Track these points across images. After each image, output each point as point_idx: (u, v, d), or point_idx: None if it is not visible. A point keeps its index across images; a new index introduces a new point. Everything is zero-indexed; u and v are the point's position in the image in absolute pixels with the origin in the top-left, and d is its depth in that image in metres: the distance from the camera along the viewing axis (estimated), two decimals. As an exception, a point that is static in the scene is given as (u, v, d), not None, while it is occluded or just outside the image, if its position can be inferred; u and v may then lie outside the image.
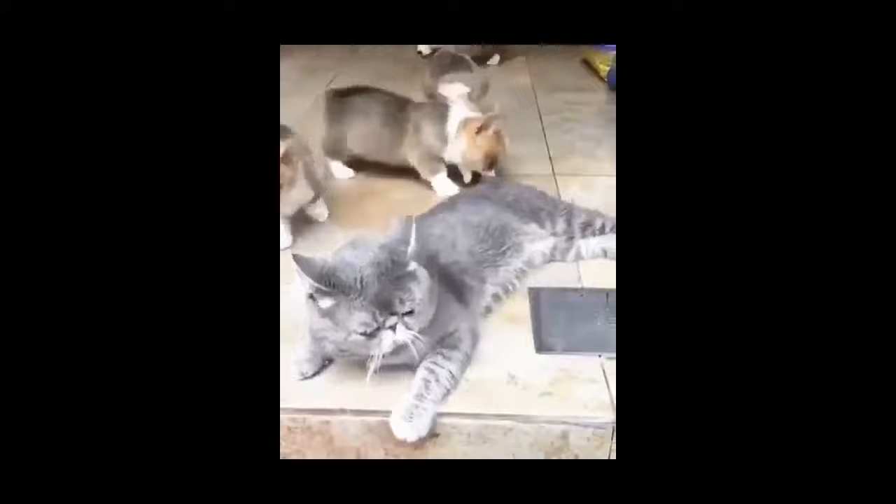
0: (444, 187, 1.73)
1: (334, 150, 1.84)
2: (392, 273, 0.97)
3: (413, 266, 1.00)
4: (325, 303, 0.97)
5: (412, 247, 1.00)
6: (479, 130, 1.63)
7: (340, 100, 1.80)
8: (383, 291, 0.96)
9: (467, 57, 2.10)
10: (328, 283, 0.95)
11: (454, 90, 1.73)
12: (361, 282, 0.95)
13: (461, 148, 1.67)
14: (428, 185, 1.76)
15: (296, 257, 0.96)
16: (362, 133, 1.78)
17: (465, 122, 1.66)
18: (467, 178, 1.77)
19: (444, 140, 1.69)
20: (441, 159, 1.72)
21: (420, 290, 0.99)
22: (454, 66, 2.00)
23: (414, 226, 1.01)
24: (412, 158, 1.74)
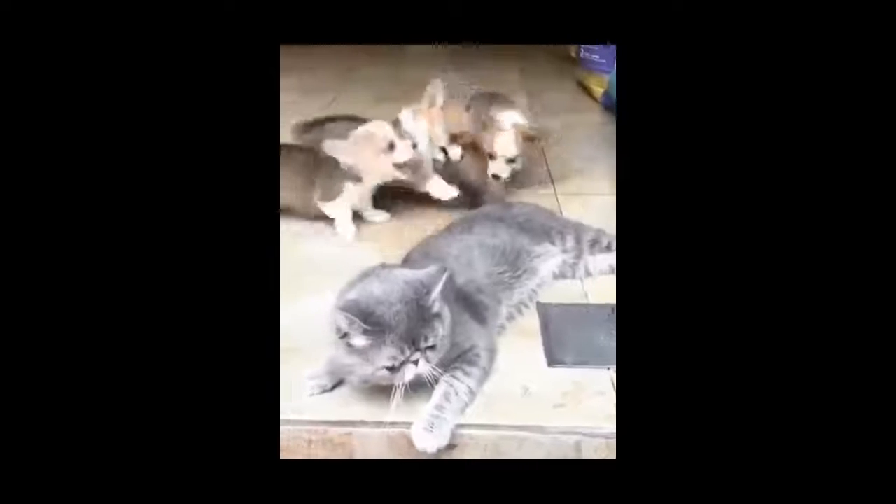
0: (442, 190, 1.73)
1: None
2: (419, 311, 1.02)
3: (438, 307, 1.05)
4: (360, 341, 1.00)
5: (436, 294, 1.03)
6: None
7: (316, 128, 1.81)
8: (412, 328, 1.00)
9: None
10: (370, 321, 0.99)
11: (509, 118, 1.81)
12: (395, 319, 1.00)
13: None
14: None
15: (343, 304, 1.01)
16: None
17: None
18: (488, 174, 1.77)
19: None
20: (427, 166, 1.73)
21: (444, 327, 1.04)
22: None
23: (444, 277, 1.04)
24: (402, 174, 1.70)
